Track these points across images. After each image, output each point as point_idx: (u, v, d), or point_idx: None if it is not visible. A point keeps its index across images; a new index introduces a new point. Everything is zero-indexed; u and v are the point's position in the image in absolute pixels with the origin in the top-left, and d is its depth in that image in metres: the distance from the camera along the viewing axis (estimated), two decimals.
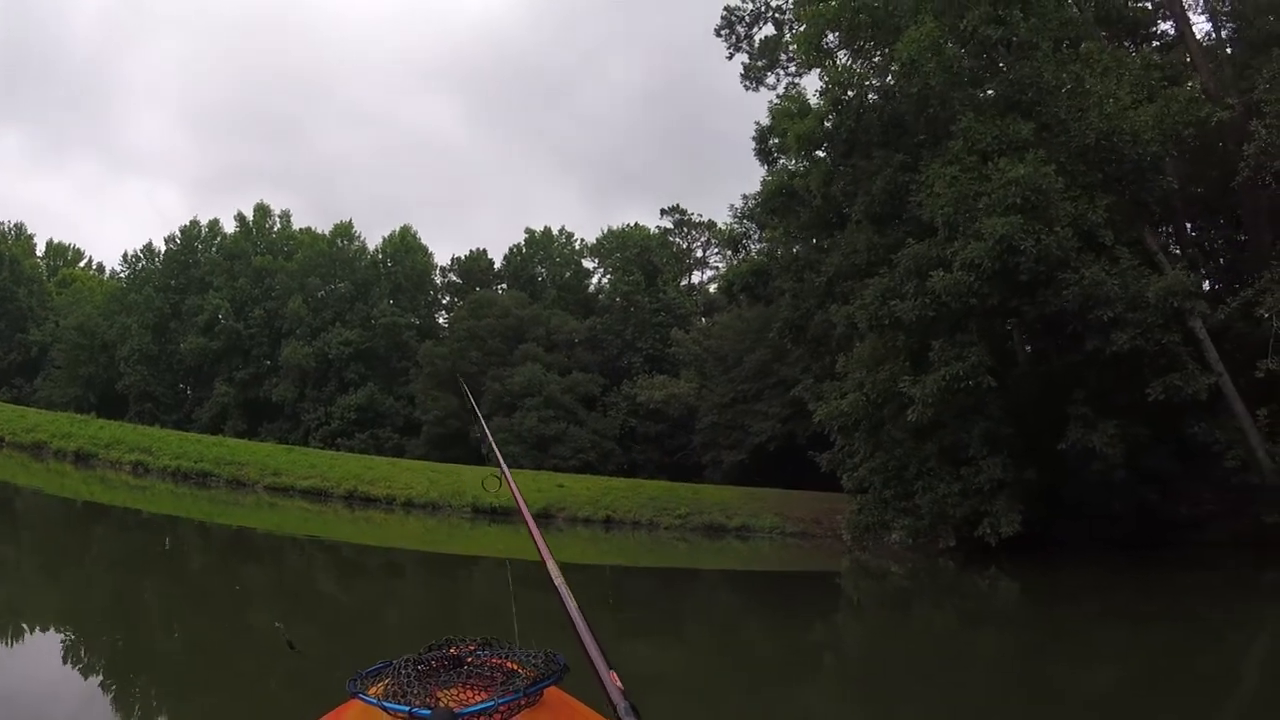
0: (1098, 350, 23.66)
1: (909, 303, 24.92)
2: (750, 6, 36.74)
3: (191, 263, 73.80)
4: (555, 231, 73.85)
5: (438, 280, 75.82)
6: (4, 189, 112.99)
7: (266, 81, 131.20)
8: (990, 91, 26.74)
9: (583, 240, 74.03)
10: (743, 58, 37.06)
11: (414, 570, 24.00)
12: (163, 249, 75.62)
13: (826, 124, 29.22)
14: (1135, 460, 24.18)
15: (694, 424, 54.74)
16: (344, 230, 73.85)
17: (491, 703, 2.10)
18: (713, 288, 67.09)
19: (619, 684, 2.04)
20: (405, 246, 73.22)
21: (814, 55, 30.02)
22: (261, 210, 76.23)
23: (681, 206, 71.23)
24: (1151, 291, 23.15)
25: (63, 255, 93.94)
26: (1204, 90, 26.98)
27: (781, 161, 34.30)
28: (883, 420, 28.22)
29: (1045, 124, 25.20)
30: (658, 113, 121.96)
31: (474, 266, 73.53)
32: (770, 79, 36.56)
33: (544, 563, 2.68)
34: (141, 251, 77.09)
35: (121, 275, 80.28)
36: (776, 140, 33.52)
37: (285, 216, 77.23)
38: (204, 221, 75.98)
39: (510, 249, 73.70)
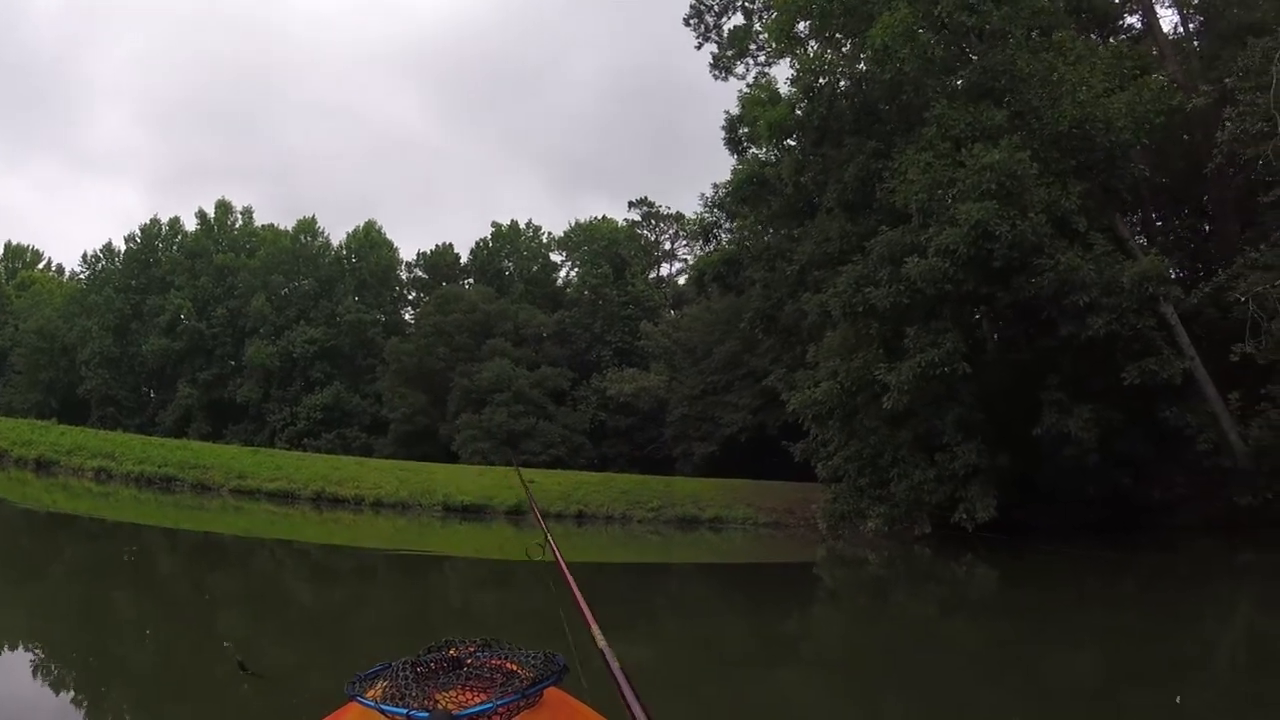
0: (1073, 335, 23.74)
1: (883, 290, 24.90)
2: None
3: (152, 262, 72.59)
4: (522, 225, 73.44)
5: (403, 276, 75.21)
6: None
7: (227, 77, 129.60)
8: (963, 79, 26.66)
9: (550, 234, 73.75)
10: (711, 48, 37.04)
11: (387, 572, 23.60)
12: (123, 248, 74.54)
13: (798, 112, 29.18)
14: (1108, 445, 24.27)
15: (664, 417, 54.63)
16: (307, 226, 73.00)
17: (490, 704, 2.07)
18: (681, 280, 67.19)
19: None
20: (370, 242, 72.55)
21: (785, 43, 29.97)
22: (223, 207, 75.14)
23: (649, 199, 71.24)
24: (1126, 277, 23.28)
25: (21, 257, 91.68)
26: (1173, 81, 27.17)
27: (752, 151, 34.32)
28: (856, 408, 28.21)
29: (1018, 111, 25.26)
30: (625, 106, 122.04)
31: (440, 261, 72.90)
32: (739, 69, 36.60)
33: (589, 627, 2.78)
34: (101, 251, 75.98)
35: (81, 276, 78.86)
36: (746, 130, 33.51)
37: (247, 213, 76.22)
38: (164, 220, 74.88)
39: (477, 243, 73.23)
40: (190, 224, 74.15)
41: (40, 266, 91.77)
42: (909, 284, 24.11)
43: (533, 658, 2.34)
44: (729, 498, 38.02)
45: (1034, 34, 26.48)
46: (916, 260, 23.84)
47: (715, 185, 37.59)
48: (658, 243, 72.56)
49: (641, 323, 60.94)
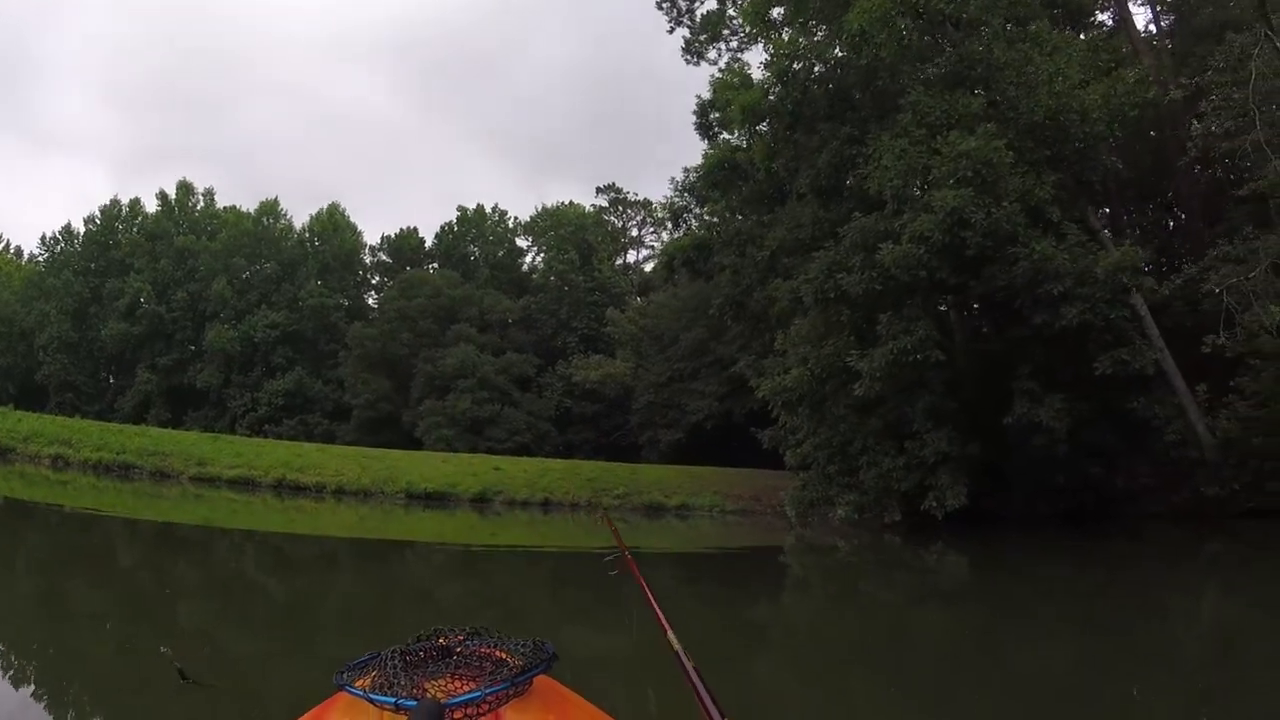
0: (1045, 325, 23.77)
1: (856, 276, 24.83)
2: None
3: (112, 244, 71.44)
4: (488, 209, 72.92)
5: (367, 260, 74.60)
6: None
7: (190, 56, 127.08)
8: (939, 67, 26.53)
9: (516, 218, 73.36)
10: (684, 32, 36.67)
11: (350, 560, 23.21)
12: (82, 230, 73.17)
13: (771, 97, 28.99)
14: (1077, 435, 24.35)
15: (630, 404, 54.57)
16: (269, 208, 72.07)
17: (479, 692, 2.09)
18: (648, 267, 67.04)
19: None
20: (333, 225, 71.71)
21: (760, 27, 29.81)
22: (184, 188, 73.92)
23: (617, 185, 70.92)
24: (1100, 267, 23.36)
25: None
26: (1150, 75, 27.46)
27: (723, 136, 34.15)
28: (826, 396, 28.13)
29: (993, 101, 25.25)
30: (593, 91, 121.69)
31: (404, 245, 72.25)
32: (711, 53, 36.30)
33: (665, 632, 2.89)
34: (60, 234, 74.64)
35: (40, 259, 77.28)
36: (718, 114, 33.41)
37: (209, 194, 75.08)
38: (125, 201, 73.73)
39: (442, 227, 72.74)
40: (151, 205, 73.16)
41: None
42: (882, 270, 24.01)
43: (522, 646, 2.36)
44: (695, 485, 37.92)
45: (1010, 25, 26.50)
46: (891, 246, 23.74)
47: (686, 169, 37.42)
48: (625, 229, 72.42)
49: (608, 309, 60.77)
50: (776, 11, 29.86)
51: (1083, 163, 25.80)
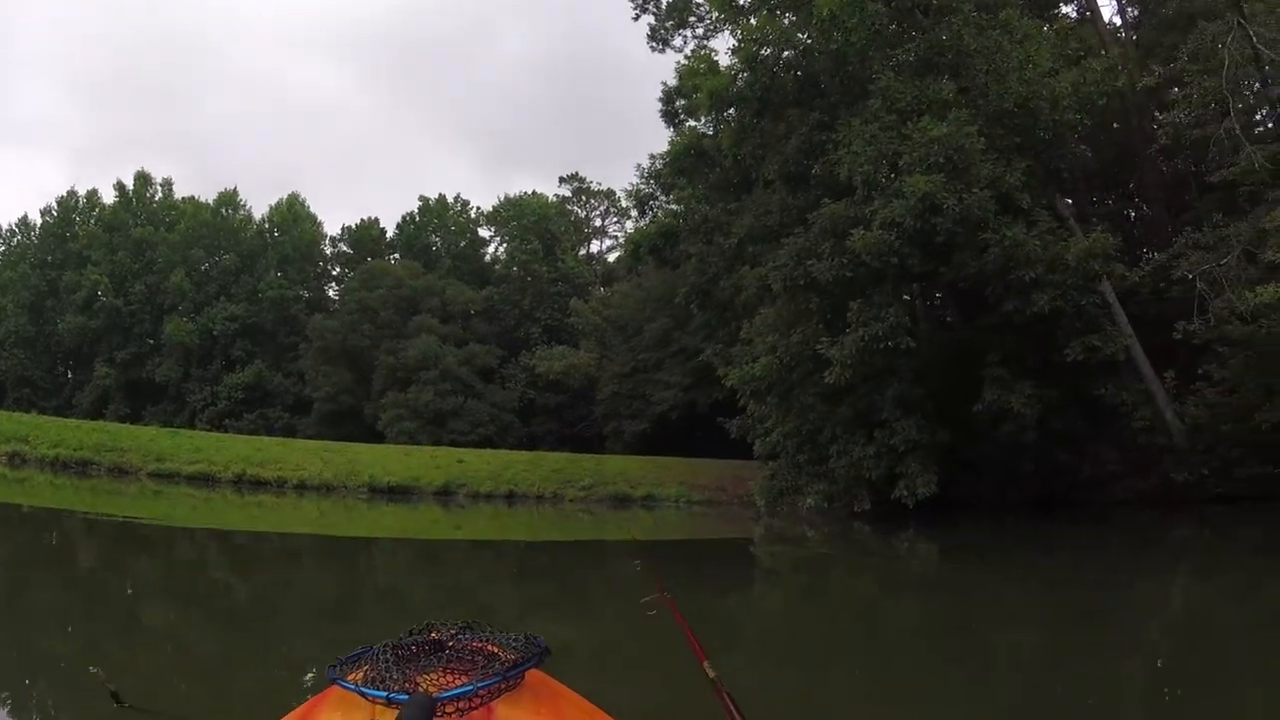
0: (1016, 312, 23.82)
1: (825, 263, 24.68)
2: None
3: (69, 236, 70.43)
4: (450, 199, 72.14)
5: (327, 250, 73.75)
6: None
7: (149, 45, 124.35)
8: (909, 53, 26.41)
9: (479, 208, 72.57)
10: (649, 19, 36.35)
11: (313, 556, 22.81)
12: (39, 222, 72.06)
13: (739, 82, 28.74)
14: (1046, 422, 24.46)
15: (594, 395, 54.36)
16: (228, 199, 70.92)
17: (471, 686, 2.10)
18: (612, 257, 66.83)
19: None
20: (293, 215, 70.84)
21: (728, 12, 29.59)
22: (142, 179, 72.64)
23: (580, 175, 70.55)
24: (1071, 254, 23.43)
25: None
26: (1119, 65, 27.73)
27: (690, 123, 33.99)
28: (794, 384, 28.00)
29: (964, 87, 25.18)
30: (557, 81, 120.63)
31: (365, 236, 71.45)
32: (677, 41, 36.03)
33: (701, 662, 2.99)
34: (16, 226, 73.36)
35: None
36: (684, 101, 33.24)
37: (167, 185, 73.82)
38: (82, 192, 72.52)
39: (403, 217, 71.90)
40: (109, 196, 71.92)
41: None
42: (853, 257, 23.87)
43: (514, 640, 2.37)
44: (661, 475, 37.85)
45: (980, 13, 26.37)
46: (862, 233, 23.59)
47: (652, 156, 37.07)
48: (588, 219, 72.23)
49: (571, 300, 60.34)
50: None
51: (1050, 151, 25.88)
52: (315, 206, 73.52)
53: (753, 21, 29.16)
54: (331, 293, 71.84)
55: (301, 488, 38.29)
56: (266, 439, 49.25)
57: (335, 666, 2.33)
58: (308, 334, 61.59)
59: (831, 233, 24.95)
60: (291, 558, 22.40)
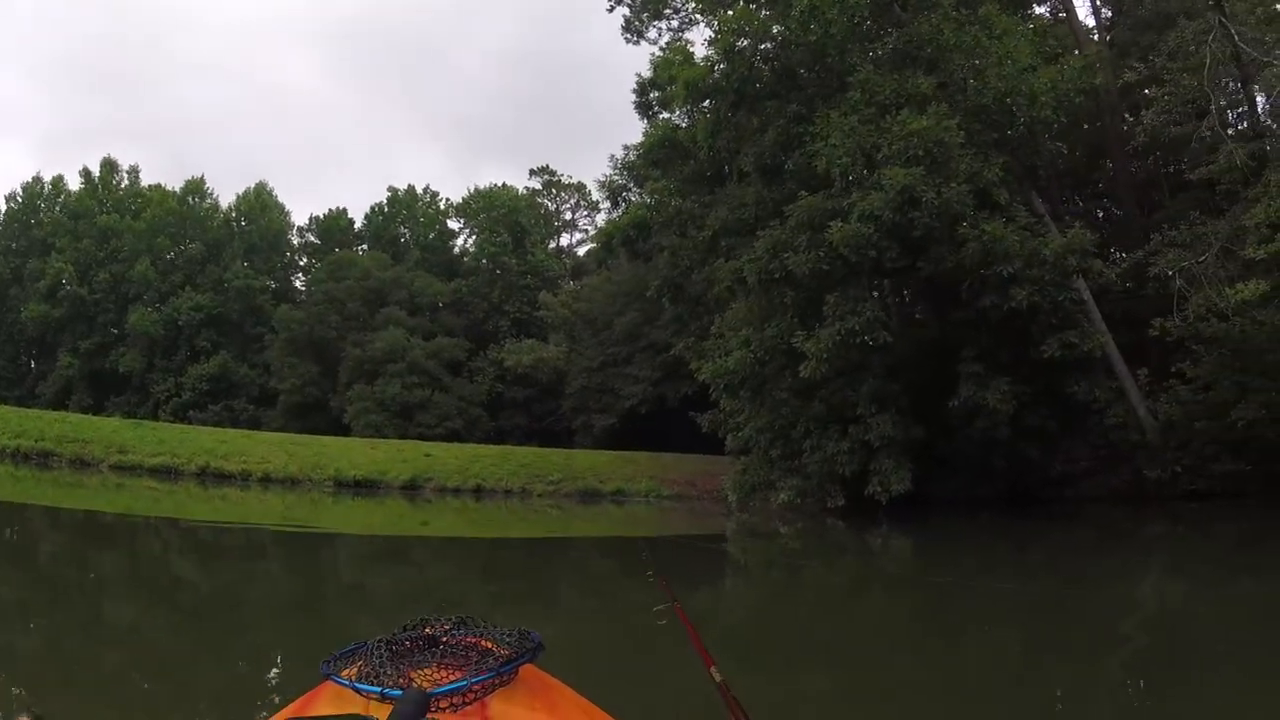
0: (994, 307, 23.81)
1: (802, 255, 24.50)
2: None
3: (33, 223, 69.33)
4: (419, 190, 71.59)
5: (295, 241, 72.91)
6: None
7: (117, 31, 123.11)
8: (888, 47, 26.38)
9: (448, 200, 71.87)
10: (624, 10, 36.18)
11: (277, 551, 22.48)
12: (3, 208, 70.81)
13: (715, 74, 28.58)
14: (1019, 418, 24.47)
15: (563, 389, 54.06)
16: (195, 187, 69.78)
17: (465, 681, 2.10)
18: (582, 250, 66.51)
19: None
20: (260, 205, 69.81)
21: (706, 3, 29.47)
22: (108, 166, 71.50)
23: (550, 168, 70.05)
24: (1049, 249, 23.46)
25: None
26: (1095, 63, 27.74)
27: (664, 116, 33.81)
28: (767, 379, 27.83)
29: (942, 82, 25.16)
30: (528, 74, 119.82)
31: (333, 226, 70.72)
32: (652, 32, 35.96)
33: (709, 667, 3.02)
34: None
35: None
36: (658, 93, 33.06)
37: (133, 173, 72.71)
38: (47, 179, 71.35)
39: (371, 208, 71.21)
40: (75, 183, 70.82)
41: None
42: (830, 249, 23.77)
43: (508, 635, 2.34)
44: (631, 470, 37.62)
45: (960, 8, 26.36)
46: (840, 225, 23.48)
47: (626, 147, 36.91)
48: (559, 212, 71.80)
49: (541, 293, 60.00)
50: None
51: (1026, 147, 25.96)
52: (283, 196, 72.91)
53: (730, 13, 29.05)
54: (298, 283, 71.00)
55: (266, 481, 37.81)
56: (231, 431, 48.58)
57: (329, 662, 2.31)
58: (274, 325, 60.84)
59: (809, 225, 24.81)
60: (256, 552, 22.08)
